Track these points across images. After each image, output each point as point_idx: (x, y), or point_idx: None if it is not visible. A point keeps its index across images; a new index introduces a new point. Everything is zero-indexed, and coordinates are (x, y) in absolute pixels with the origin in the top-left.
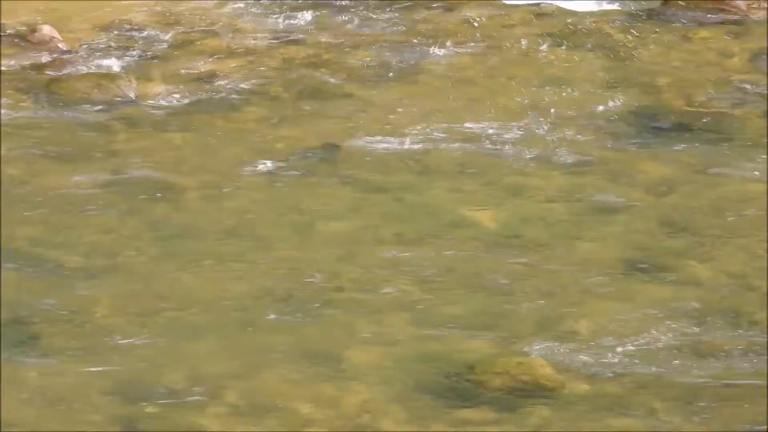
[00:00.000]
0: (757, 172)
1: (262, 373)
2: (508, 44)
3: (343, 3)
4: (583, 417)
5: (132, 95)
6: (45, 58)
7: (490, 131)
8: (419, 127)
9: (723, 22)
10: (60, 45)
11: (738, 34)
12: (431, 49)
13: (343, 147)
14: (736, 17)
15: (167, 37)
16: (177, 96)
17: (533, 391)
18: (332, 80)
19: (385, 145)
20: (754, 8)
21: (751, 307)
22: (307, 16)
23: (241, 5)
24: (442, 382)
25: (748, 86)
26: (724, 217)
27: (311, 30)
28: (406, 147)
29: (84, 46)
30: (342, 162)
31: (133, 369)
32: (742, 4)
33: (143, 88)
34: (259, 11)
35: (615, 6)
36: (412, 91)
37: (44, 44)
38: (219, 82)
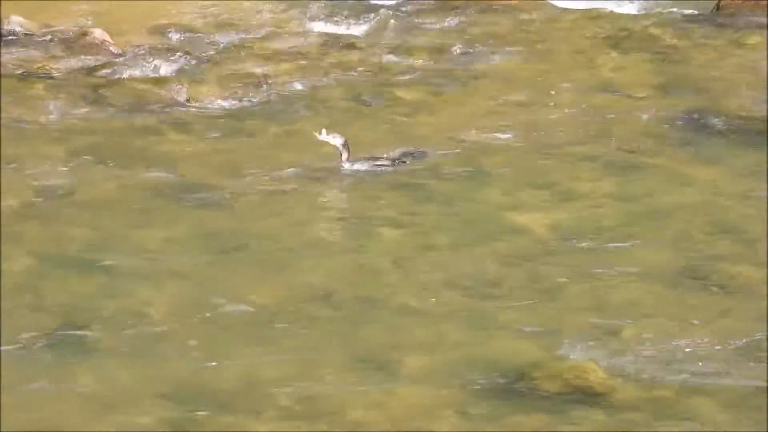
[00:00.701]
0: None
1: (315, 377)
2: (561, 48)
3: (398, 11)
4: (635, 422)
5: (183, 99)
6: (96, 61)
7: (542, 134)
8: (473, 132)
9: None
10: (111, 48)
11: None
12: (484, 53)
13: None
14: None
15: (219, 40)
16: (229, 99)
17: (586, 396)
18: (386, 85)
19: (441, 152)
20: None
21: None
22: (362, 22)
23: (296, 8)
24: (494, 386)
25: None
26: None
27: (365, 35)
28: (457, 151)
29: (135, 50)
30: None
31: (185, 372)
32: None
33: (194, 92)
34: (313, 15)
35: (668, 10)
36: (465, 95)
37: (95, 47)
38: (271, 86)
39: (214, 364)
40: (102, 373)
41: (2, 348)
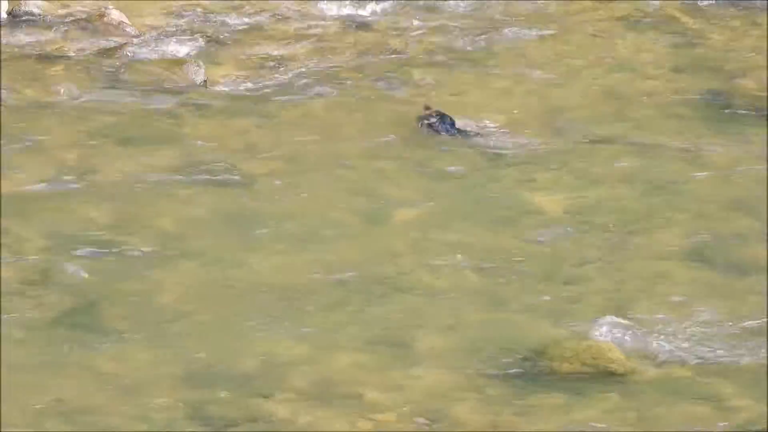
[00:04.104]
0: None
1: (331, 358)
2: (578, 28)
3: None
4: (653, 401)
5: (201, 80)
6: (113, 42)
7: (557, 115)
8: (487, 113)
9: None
10: (128, 29)
11: None
12: (500, 34)
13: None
14: None
15: (236, 21)
16: (246, 81)
17: (603, 376)
18: (403, 66)
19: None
20: None
21: None
22: (377, 2)
23: None
24: (512, 367)
25: None
26: None
27: (381, 15)
28: (473, 133)
29: (153, 31)
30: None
31: (201, 353)
32: None
33: (212, 74)
34: None
35: None
36: (482, 76)
37: (113, 29)
38: (288, 67)
39: (229, 346)
40: (117, 355)
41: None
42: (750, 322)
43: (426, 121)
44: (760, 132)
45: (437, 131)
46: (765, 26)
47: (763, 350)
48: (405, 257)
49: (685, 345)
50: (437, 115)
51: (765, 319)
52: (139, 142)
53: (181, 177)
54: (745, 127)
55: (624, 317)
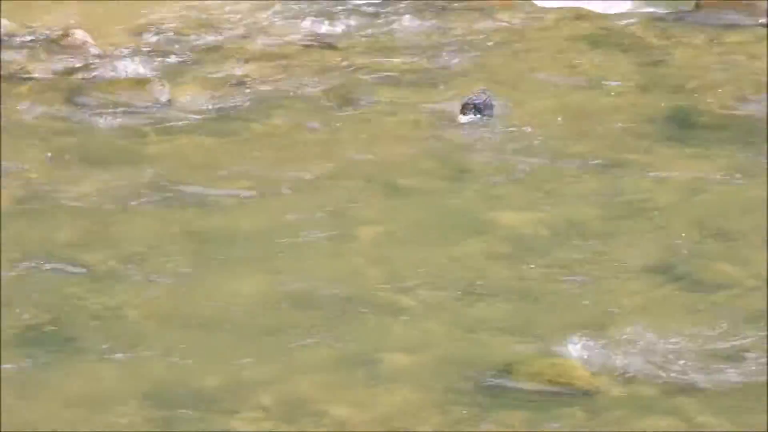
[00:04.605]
0: None
1: (296, 376)
2: (542, 46)
3: (379, 9)
4: (617, 419)
5: (165, 99)
6: (77, 62)
7: (524, 130)
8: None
9: (756, 26)
10: (92, 49)
11: None
12: (464, 52)
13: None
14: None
15: (200, 40)
16: (210, 100)
17: (568, 393)
18: (368, 84)
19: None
20: None
21: None
22: (339, 22)
23: (276, 8)
24: (477, 384)
25: None
26: (753, 218)
27: (345, 34)
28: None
29: (117, 51)
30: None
31: (166, 372)
32: None
33: (176, 93)
34: (292, 15)
35: (648, 9)
36: (444, 94)
37: (77, 48)
38: (252, 86)
39: (195, 364)
40: (83, 373)
41: None
42: (716, 340)
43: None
44: (723, 150)
45: (480, 111)
46: (727, 45)
47: (730, 369)
48: (370, 275)
49: (651, 362)
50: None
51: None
52: (103, 161)
53: (145, 196)
54: (708, 145)
55: (590, 334)
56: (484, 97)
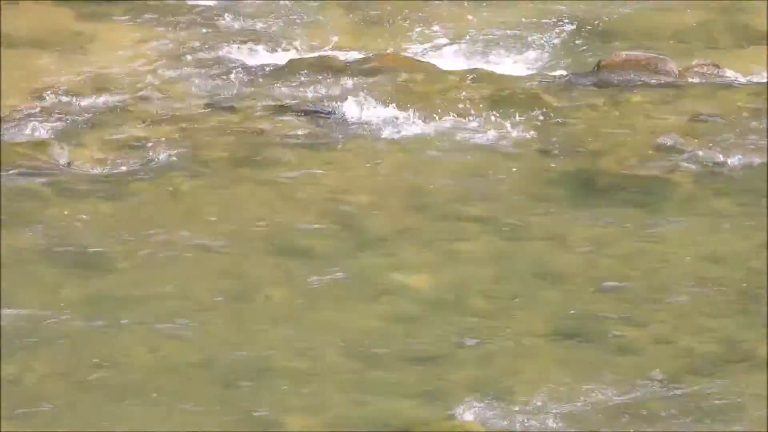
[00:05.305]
0: (689, 235)
1: None
2: (441, 108)
3: (275, 69)
4: None
5: (64, 162)
6: None
7: (421, 195)
8: (350, 194)
9: (656, 86)
10: None
11: (672, 97)
12: (363, 116)
13: None
14: (669, 80)
15: (99, 102)
16: (110, 162)
17: None
18: (266, 146)
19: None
20: (687, 73)
21: (682, 371)
22: (236, 82)
23: (174, 72)
24: None
25: (681, 149)
26: (657, 280)
27: (243, 96)
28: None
29: (16, 113)
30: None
31: None
32: (674, 68)
33: (75, 155)
34: (190, 76)
35: (549, 72)
36: (341, 157)
37: None
38: (152, 149)
39: (89, 426)
40: None
41: None
42: (616, 403)
43: None
44: (625, 210)
45: None
46: (628, 105)
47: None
48: (271, 338)
49: (553, 423)
50: None
51: (632, 400)
52: (1, 224)
53: (44, 259)
54: (611, 206)
55: (491, 396)
56: None
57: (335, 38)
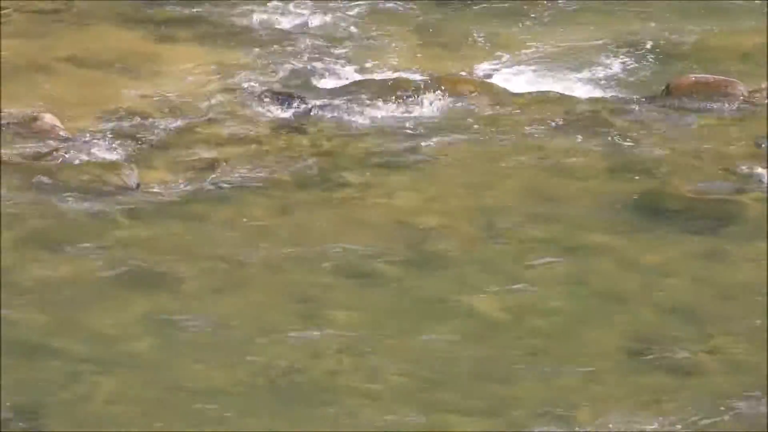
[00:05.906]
0: (759, 257)
1: None
2: (510, 131)
3: (344, 89)
4: None
5: (133, 184)
6: (46, 146)
7: (490, 217)
8: (420, 215)
9: (725, 109)
10: (61, 133)
11: (741, 120)
12: (432, 137)
13: None
14: (738, 103)
15: (168, 124)
16: (179, 185)
17: None
18: (336, 168)
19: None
20: (757, 95)
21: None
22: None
23: (242, 94)
24: None
25: (751, 172)
26: (728, 304)
27: (312, 118)
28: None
29: (85, 135)
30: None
31: None
32: (743, 90)
33: (145, 177)
34: (259, 98)
35: (618, 94)
36: (414, 179)
37: (45, 133)
38: (221, 170)
39: None
40: None
41: None
42: (684, 426)
43: None
44: (690, 235)
45: None
46: (697, 128)
47: None
48: (339, 360)
49: None
50: None
51: (695, 422)
52: (71, 246)
53: (113, 281)
54: (678, 229)
55: (558, 419)
56: None
57: (405, 60)
